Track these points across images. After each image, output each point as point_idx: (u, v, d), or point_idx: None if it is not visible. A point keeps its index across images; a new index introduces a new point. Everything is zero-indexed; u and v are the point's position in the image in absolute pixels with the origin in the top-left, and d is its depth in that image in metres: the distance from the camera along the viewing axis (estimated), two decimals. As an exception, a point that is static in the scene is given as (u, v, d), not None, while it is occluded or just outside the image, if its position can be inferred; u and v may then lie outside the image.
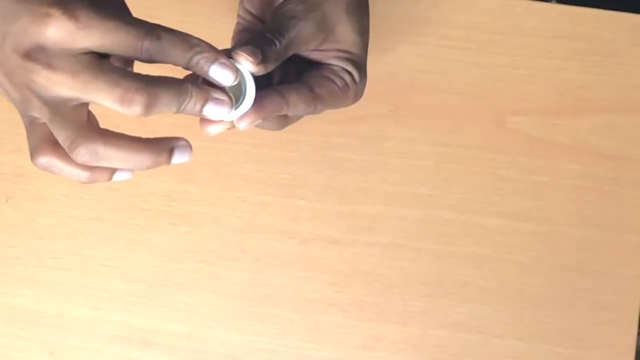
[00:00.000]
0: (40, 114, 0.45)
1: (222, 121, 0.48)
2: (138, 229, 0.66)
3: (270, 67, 0.49)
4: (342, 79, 0.53)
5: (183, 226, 0.66)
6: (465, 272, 0.65)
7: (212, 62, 0.45)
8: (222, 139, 0.65)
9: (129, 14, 0.51)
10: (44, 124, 0.46)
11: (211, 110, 0.46)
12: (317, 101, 0.52)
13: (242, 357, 0.65)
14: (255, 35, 0.51)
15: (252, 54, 0.48)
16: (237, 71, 0.47)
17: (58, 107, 0.44)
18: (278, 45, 0.50)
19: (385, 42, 0.66)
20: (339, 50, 0.54)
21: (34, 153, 0.46)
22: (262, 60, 0.48)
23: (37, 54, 0.43)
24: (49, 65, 0.43)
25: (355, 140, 0.66)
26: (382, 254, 0.66)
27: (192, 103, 0.45)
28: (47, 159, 0.46)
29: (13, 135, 0.67)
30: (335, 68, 0.54)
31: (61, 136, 0.45)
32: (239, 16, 0.58)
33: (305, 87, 0.52)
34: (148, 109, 0.44)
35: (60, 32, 0.43)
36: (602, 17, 0.66)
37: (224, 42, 0.66)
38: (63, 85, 0.44)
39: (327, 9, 0.53)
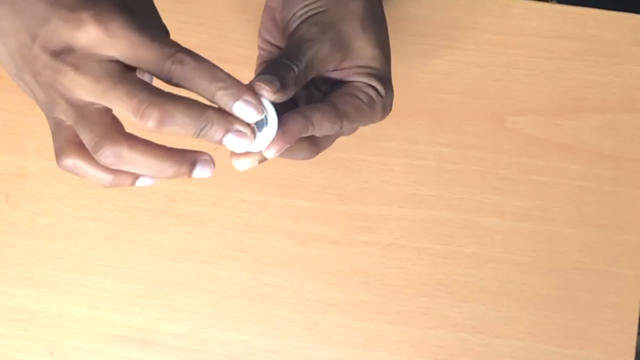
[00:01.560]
0: (66, 115, 0.45)
1: (249, 154, 0.48)
2: (138, 229, 0.66)
3: (290, 93, 0.49)
4: (367, 94, 0.53)
5: (183, 226, 0.66)
6: (465, 272, 0.65)
7: (236, 99, 0.45)
8: (222, 139, 0.65)
9: (162, 27, 0.52)
10: (70, 126, 0.46)
11: (232, 141, 0.46)
12: (342, 118, 0.51)
13: (242, 357, 0.65)
14: (272, 63, 0.50)
15: (269, 83, 0.47)
16: (261, 108, 0.46)
17: (83, 109, 0.45)
18: (296, 70, 0.50)
19: (385, 42, 0.66)
20: (360, 67, 0.53)
21: (59, 155, 0.47)
22: (281, 87, 0.48)
23: (65, 55, 0.44)
24: (75, 67, 0.44)
25: (355, 140, 0.66)
26: (382, 254, 0.66)
27: (212, 131, 0.45)
28: (72, 161, 0.46)
29: (13, 135, 0.67)
30: (358, 84, 0.53)
31: (86, 137, 0.45)
32: (259, 47, 0.58)
33: (328, 105, 0.51)
34: (161, 125, 0.44)
35: (90, 38, 0.44)
36: (602, 17, 0.66)
37: (224, 41, 0.66)
38: (85, 89, 0.44)
39: (342, 27, 0.53)
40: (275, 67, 0.49)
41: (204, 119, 0.45)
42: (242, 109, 0.45)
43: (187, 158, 0.46)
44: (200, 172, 0.47)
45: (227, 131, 0.45)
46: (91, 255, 0.66)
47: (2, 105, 0.67)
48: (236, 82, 0.45)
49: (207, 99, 0.45)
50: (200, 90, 0.45)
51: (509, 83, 0.66)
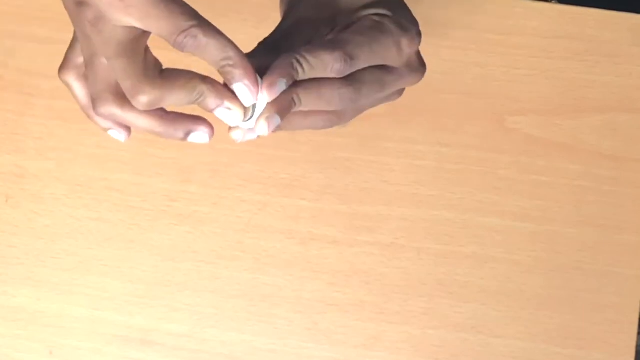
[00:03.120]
0: (103, 51, 0.45)
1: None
2: (138, 229, 0.66)
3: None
4: (369, 19, 0.48)
5: (183, 226, 0.66)
6: (465, 272, 0.65)
7: (237, 81, 0.45)
8: (222, 139, 0.65)
9: None
10: (107, 71, 0.47)
11: (223, 114, 0.47)
12: (343, 44, 0.46)
13: (242, 357, 0.65)
14: (281, 60, 0.47)
15: (275, 86, 0.46)
16: (257, 95, 0.46)
17: (119, 46, 0.45)
18: (302, 64, 0.47)
19: (385, 42, 0.66)
20: (356, 2, 0.49)
21: (97, 102, 0.48)
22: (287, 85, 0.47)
23: (84, 8, 0.44)
24: (90, 23, 0.44)
25: (355, 140, 0.66)
26: (382, 254, 0.66)
27: (206, 101, 0.46)
28: (109, 109, 0.48)
29: (13, 135, 0.67)
30: (362, 22, 0.49)
31: (123, 78, 0.46)
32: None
33: (331, 43, 0.47)
34: (153, 105, 0.46)
35: (106, 2, 0.43)
36: (602, 17, 0.66)
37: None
38: (97, 46, 0.45)
39: None
40: (284, 63, 0.47)
41: (198, 93, 0.46)
42: (240, 91, 0.46)
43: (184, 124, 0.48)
44: (195, 139, 0.49)
45: (217, 105, 0.46)
46: (91, 255, 0.66)
47: (2, 105, 0.67)
48: (243, 62, 0.45)
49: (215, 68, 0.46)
50: (209, 63, 0.45)
51: (509, 83, 0.66)
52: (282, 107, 0.47)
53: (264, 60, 0.48)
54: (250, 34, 0.66)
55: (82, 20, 0.44)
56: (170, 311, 0.66)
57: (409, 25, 0.49)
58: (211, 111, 0.47)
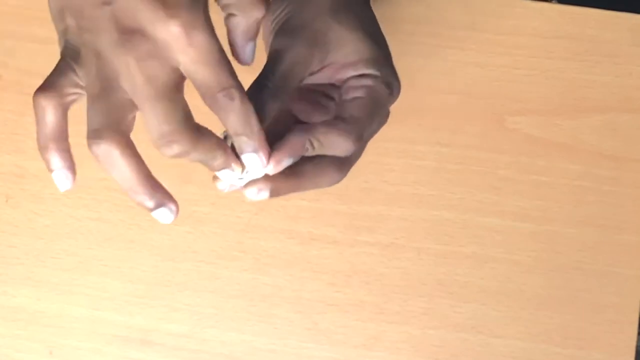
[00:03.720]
0: (145, 90, 0.44)
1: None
2: (138, 229, 0.66)
3: (271, 112, 0.48)
4: (363, 86, 0.51)
5: (183, 226, 0.66)
6: (465, 272, 0.65)
7: (252, 151, 0.46)
8: (222, 139, 0.65)
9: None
10: (122, 107, 0.45)
11: (224, 175, 0.48)
12: (354, 126, 0.49)
13: (242, 357, 0.65)
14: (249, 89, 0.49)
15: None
16: (266, 164, 0.47)
17: (105, 89, 0.45)
18: (270, 85, 0.48)
19: (385, 42, 0.66)
20: (347, 59, 0.51)
21: (100, 135, 0.46)
22: (261, 113, 0.47)
23: (135, 38, 0.43)
24: (137, 56, 0.43)
25: (355, 140, 0.66)
26: (382, 254, 0.66)
27: (215, 163, 0.47)
28: (110, 146, 0.46)
29: (13, 135, 0.67)
30: (352, 82, 0.51)
31: (95, 119, 0.46)
32: None
33: (335, 119, 0.50)
34: (175, 157, 0.46)
35: (170, 36, 0.43)
36: (602, 17, 0.66)
37: (223, 41, 0.66)
38: (130, 81, 0.43)
39: (313, 24, 0.51)
40: (248, 92, 0.48)
41: (212, 157, 0.47)
42: (250, 161, 0.47)
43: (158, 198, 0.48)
44: (159, 215, 0.49)
45: (223, 168, 0.48)
46: (91, 255, 0.66)
47: (2, 105, 0.67)
48: (260, 135, 0.46)
49: (229, 131, 0.46)
50: (228, 127, 0.46)
51: (509, 83, 0.66)
52: (279, 182, 0.50)
53: (268, 107, 0.48)
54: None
55: (129, 51, 0.43)
56: (170, 311, 0.66)
57: (393, 83, 0.52)
58: (214, 170, 0.48)
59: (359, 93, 0.51)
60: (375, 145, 0.66)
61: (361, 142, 0.51)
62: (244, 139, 0.45)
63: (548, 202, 0.65)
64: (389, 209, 0.66)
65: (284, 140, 0.48)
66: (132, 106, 0.45)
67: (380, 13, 0.66)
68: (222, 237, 0.66)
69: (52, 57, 0.67)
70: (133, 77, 0.43)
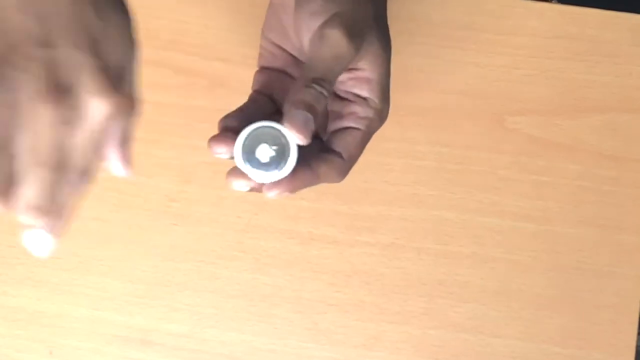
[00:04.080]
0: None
1: (249, 179, 0.50)
2: (138, 229, 0.66)
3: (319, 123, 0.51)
4: (364, 118, 0.52)
5: (183, 226, 0.66)
6: (465, 272, 0.65)
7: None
8: (222, 139, 0.65)
9: None
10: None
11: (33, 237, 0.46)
12: (349, 164, 0.52)
13: (242, 357, 0.65)
14: (303, 91, 0.48)
15: (304, 127, 0.48)
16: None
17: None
18: (327, 95, 0.49)
19: (385, 42, 0.66)
20: (368, 73, 0.51)
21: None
22: (314, 125, 0.48)
23: (63, 96, 0.38)
24: (55, 113, 0.38)
25: (355, 140, 0.66)
26: (382, 254, 0.66)
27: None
28: None
29: (13, 135, 0.67)
30: (354, 106, 0.52)
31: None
32: (261, 47, 0.56)
33: (335, 156, 0.51)
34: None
35: (96, 113, 0.39)
36: (602, 17, 0.66)
37: (224, 41, 0.66)
38: (32, 142, 0.39)
39: (363, 27, 0.50)
40: (307, 100, 0.48)
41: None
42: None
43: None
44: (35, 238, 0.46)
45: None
46: (91, 255, 0.66)
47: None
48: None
49: None
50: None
51: (509, 83, 0.66)
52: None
53: (322, 107, 0.49)
54: (251, 34, 0.66)
55: (49, 108, 0.37)
56: (170, 311, 0.66)
57: (386, 111, 0.53)
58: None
59: (357, 124, 0.52)
60: (375, 145, 0.66)
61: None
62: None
63: (548, 202, 0.65)
64: (389, 209, 0.66)
65: (294, 176, 0.50)
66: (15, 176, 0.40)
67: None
68: (222, 237, 0.66)
69: (52, 57, 0.67)
70: (40, 136, 0.38)
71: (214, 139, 0.50)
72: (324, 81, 0.49)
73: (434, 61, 0.66)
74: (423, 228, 0.66)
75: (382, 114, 0.53)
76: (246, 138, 0.50)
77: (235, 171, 0.50)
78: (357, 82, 0.52)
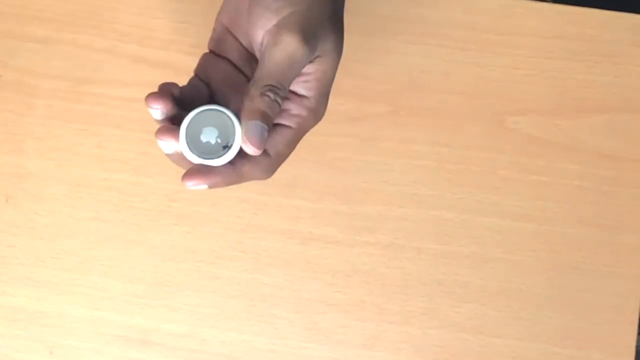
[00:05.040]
0: None
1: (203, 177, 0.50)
2: (138, 229, 0.66)
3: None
4: (298, 115, 0.51)
5: (183, 226, 0.66)
6: (465, 272, 0.65)
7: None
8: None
9: None
10: None
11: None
12: (275, 163, 0.51)
13: (242, 357, 0.65)
14: (259, 98, 0.49)
15: (259, 142, 0.48)
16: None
17: None
18: (280, 103, 0.49)
19: (386, 42, 0.66)
20: (310, 77, 0.51)
21: None
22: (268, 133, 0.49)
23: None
24: None
25: (354, 140, 0.66)
26: (382, 254, 0.66)
27: None
28: None
29: (13, 135, 0.67)
30: (289, 106, 0.51)
31: None
32: (213, 29, 0.55)
33: (260, 157, 0.51)
34: None
35: None
36: (602, 17, 0.66)
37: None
38: None
39: (318, 28, 0.50)
40: (261, 108, 0.48)
41: None
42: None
43: None
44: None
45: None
46: (91, 255, 0.66)
47: (2, 105, 0.67)
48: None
49: None
50: None
51: (509, 83, 0.66)
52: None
53: (276, 111, 0.49)
54: (250, 34, 0.66)
55: None
56: (170, 311, 0.66)
57: (322, 112, 0.52)
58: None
59: (289, 122, 0.51)
60: (375, 145, 0.66)
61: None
62: None
63: (548, 202, 0.65)
64: (389, 209, 0.66)
65: (213, 169, 0.49)
66: None
67: (380, 13, 0.66)
68: (222, 237, 0.66)
69: (52, 57, 0.67)
70: None
71: (152, 98, 0.50)
72: (279, 89, 0.49)
73: (434, 61, 0.66)
74: (423, 228, 0.66)
75: (317, 113, 0.52)
76: (191, 120, 0.50)
77: (186, 176, 0.50)
78: (297, 79, 0.51)
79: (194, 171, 0.49)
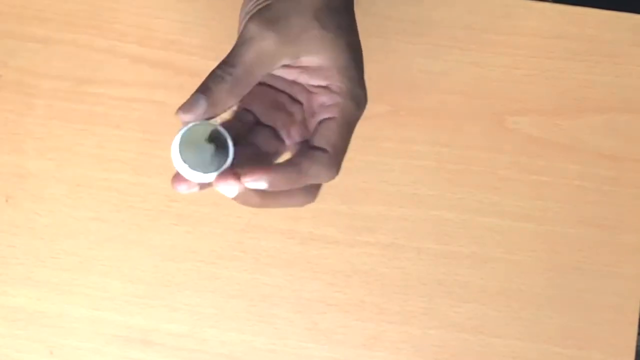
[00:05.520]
0: None
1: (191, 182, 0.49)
2: (138, 229, 0.66)
3: (224, 106, 0.49)
4: (335, 104, 0.50)
5: (183, 226, 0.66)
6: (465, 272, 0.65)
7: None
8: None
9: None
10: None
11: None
12: (335, 157, 0.51)
13: (242, 357, 0.65)
14: (208, 76, 0.49)
15: (192, 105, 0.48)
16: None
17: None
18: (229, 79, 0.48)
19: (386, 42, 0.66)
20: (320, 62, 0.50)
21: None
22: (210, 104, 0.48)
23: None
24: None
25: (355, 140, 0.66)
26: (382, 254, 0.66)
27: None
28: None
29: (13, 135, 0.67)
30: (321, 97, 0.51)
31: None
32: None
33: (318, 151, 0.50)
34: None
35: None
36: (602, 17, 0.66)
37: (224, 41, 0.66)
38: None
39: (291, 19, 0.49)
40: (206, 81, 0.48)
41: None
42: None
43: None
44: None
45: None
46: (91, 255, 0.66)
47: (2, 105, 0.67)
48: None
49: None
50: None
51: (509, 83, 0.66)
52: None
53: (225, 100, 0.48)
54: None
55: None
56: (170, 311, 0.66)
57: (361, 97, 0.51)
58: None
59: (330, 113, 0.50)
60: (375, 145, 0.66)
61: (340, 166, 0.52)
62: None
63: (548, 202, 0.65)
64: (389, 209, 0.66)
65: (274, 167, 0.48)
66: None
67: (380, 13, 0.66)
68: (222, 237, 0.66)
69: (52, 57, 0.67)
70: None
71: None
72: (225, 63, 0.49)
73: (434, 61, 0.66)
74: (423, 228, 0.65)
75: (354, 97, 0.51)
76: (182, 137, 0.49)
77: (177, 176, 0.50)
78: (310, 73, 0.51)
79: (253, 169, 0.47)
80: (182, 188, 0.50)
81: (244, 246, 0.66)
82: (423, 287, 0.65)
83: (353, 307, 0.65)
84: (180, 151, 0.49)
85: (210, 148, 0.49)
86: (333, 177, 0.51)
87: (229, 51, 0.50)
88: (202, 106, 0.48)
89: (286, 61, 0.50)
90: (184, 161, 0.49)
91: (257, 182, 0.47)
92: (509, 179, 0.65)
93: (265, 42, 0.49)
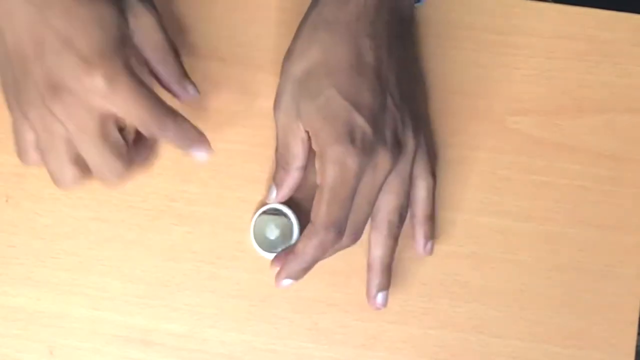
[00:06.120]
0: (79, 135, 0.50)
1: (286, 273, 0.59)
2: (138, 229, 0.66)
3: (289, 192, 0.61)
4: (320, 171, 0.57)
5: (183, 226, 0.66)
6: (465, 272, 0.65)
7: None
8: (222, 138, 0.65)
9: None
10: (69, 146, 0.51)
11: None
12: (315, 229, 0.57)
13: (242, 357, 0.65)
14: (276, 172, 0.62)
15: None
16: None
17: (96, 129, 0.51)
18: (292, 173, 0.60)
19: (385, 42, 0.66)
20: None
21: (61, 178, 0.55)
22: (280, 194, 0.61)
23: (61, 92, 0.48)
24: (65, 108, 0.49)
25: (355, 140, 0.66)
26: (382, 254, 0.65)
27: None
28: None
29: (13, 135, 0.67)
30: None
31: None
32: None
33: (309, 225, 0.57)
34: (108, 187, 0.55)
35: (94, 87, 0.48)
36: (602, 17, 0.66)
37: (224, 41, 0.66)
38: (65, 130, 0.50)
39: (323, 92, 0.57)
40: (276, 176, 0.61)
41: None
42: (196, 155, 0.53)
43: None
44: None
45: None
46: (91, 255, 0.66)
47: (2, 105, 0.67)
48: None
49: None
50: (170, 142, 0.52)
51: (509, 83, 0.66)
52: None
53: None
54: (251, 34, 0.66)
55: (56, 105, 0.48)
56: (170, 311, 0.66)
57: (347, 155, 0.56)
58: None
59: (324, 171, 0.57)
60: (375, 145, 0.66)
61: (340, 232, 0.57)
62: (188, 151, 0.53)
63: (548, 202, 0.65)
64: (389, 209, 0.65)
65: (284, 263, 0.59)
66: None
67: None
68: (222, 237, 0.66)
69: (52, 57, 0.67)
70: (66, 125, 0.49)
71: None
72: (285, 162, 0.62)
73: (434, 61, 0.66)
74: (423, 228, 0.65)
75: (330, 160, 0.56)
76: (255, 221, 0.63)
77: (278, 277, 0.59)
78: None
79: (277, 274, 0.59)
80: (285, 282, 0.60)
81: (244, 246, 0.66)
82: (423, 287, 0.65)
83: (353, 307, 0.65)
84: (254, 231, 0.64)
85: (276, 230, 0.64)
86: (326, 251, 0.57)
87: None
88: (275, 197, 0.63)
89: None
90: (259, 242, 0.64)
91: (285, 281, 0.59)
92: (509, 179, 0.65)
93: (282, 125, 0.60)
